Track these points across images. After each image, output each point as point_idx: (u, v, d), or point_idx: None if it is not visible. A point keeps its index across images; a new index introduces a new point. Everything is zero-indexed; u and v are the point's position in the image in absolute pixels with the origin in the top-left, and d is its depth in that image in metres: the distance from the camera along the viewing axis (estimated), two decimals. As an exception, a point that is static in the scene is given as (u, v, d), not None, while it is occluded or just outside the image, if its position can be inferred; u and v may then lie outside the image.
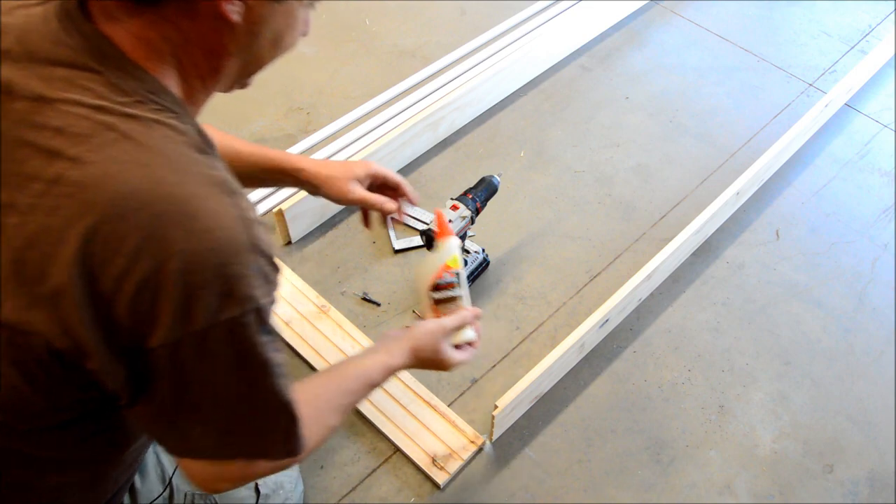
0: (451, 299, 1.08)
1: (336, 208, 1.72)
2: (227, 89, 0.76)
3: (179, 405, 0.68)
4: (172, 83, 0.68)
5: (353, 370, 0.93)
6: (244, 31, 0.67)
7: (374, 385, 0.94)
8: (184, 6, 0.63)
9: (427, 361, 1.02)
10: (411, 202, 1.19)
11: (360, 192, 1.12)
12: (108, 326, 0.62)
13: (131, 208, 0.60)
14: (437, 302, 1.07)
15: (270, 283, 0.68)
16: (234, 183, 0.68)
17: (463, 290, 1.09)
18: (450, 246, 1.07)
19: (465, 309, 1.08)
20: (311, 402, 0.83)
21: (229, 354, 0.66)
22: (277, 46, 0.72)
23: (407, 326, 1.07)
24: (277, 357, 0.71)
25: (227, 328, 0.64)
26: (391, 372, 0.97)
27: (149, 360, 0.64)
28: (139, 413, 0.69)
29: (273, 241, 0.71)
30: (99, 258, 0.60)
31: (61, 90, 0.62)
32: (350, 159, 1.70)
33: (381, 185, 1.17)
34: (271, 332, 0.70)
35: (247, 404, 0.71)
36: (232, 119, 1.92)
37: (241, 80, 0.75)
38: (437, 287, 1.06)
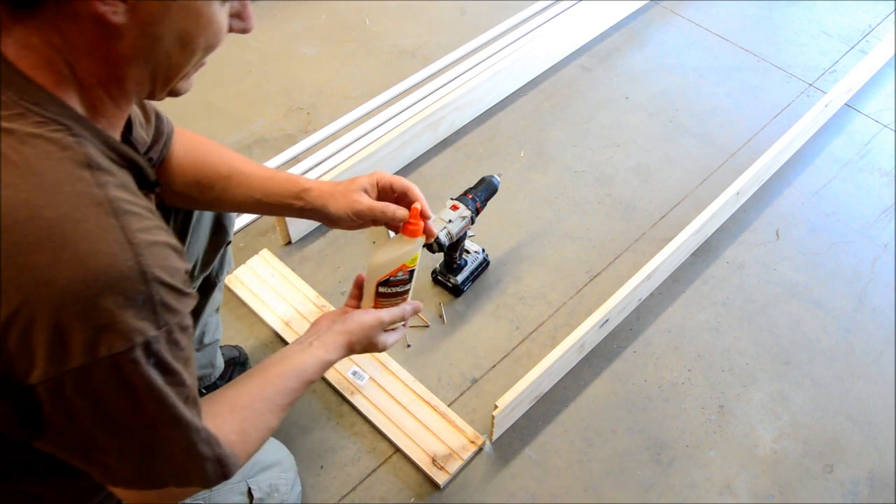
0: (397, 294, 1.04)
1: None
2: (152, 97, 0.71)
3: (83, 441, 0.64)
4: (71, 95, 0.64)
5: (290, 368, 0.89)
6: (136, 34, 0.62)
7: (310, 382, 0.92)
8: (62, 8, 0.60)
9: (360, 350, 0.99)
10: (424, 213, 1.02)
11: (368, 201, 1.00)
12: None
13: None
14: (382, 295, 1.02)
15: (171, 311, 0.64)
16: (132, 202, 0.64)
17: (410, 285, 1.05)
18: (416, 245, 1.00)
19: (407, 303, 1.04)
20: (248, 406, 0.82)
21: (118, 392, 0.62)
22: (188, 48, 0.66)
23: (344, 310, 1.01)
24: (177, 390, 0.66)
25: (109, 365, 0.60)
26: (327, 367, 0.94)
27: (33, 397, 0.60)
28: (49, 447, 0.66)
29: (180, 267, 0.67)
30: None
31: None
32: (350, 159, 1.70)
33: (391, 194, 1.04)
34: (167, 367, 0.65)
35: (151, 439, 0.67)
36: (232, 119, 1.92)
37: (164, 87, 0.70)
38: (388, 283, 1.01)
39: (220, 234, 1.14)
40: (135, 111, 0.89)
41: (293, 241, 1.67)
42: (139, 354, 0.61)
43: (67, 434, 0.64)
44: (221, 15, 0.67)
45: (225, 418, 0.79)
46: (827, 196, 1.84)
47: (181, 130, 1.01)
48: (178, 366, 0.66)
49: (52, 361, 0.58)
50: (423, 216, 0.99)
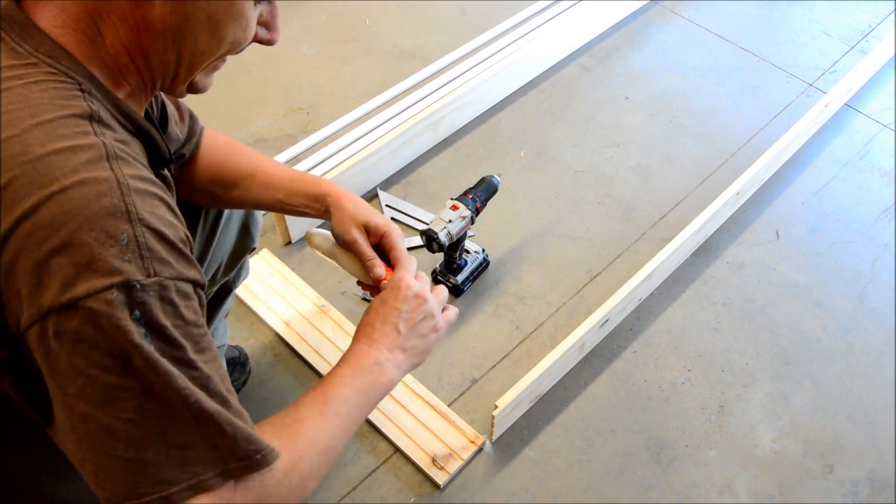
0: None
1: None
2: (175, 86, 0.72)
3: (71, 411, 0.59)
4: (92, 59, 0.66)
5: (330, 375, 0.82)
6: (170, 9, 0.64)
7: (360, 382, 0.82)
8: None
9: (409, 318, 0.88)
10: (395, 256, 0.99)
11: (358, 239, 0.98)
12: None
13: None
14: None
15: (162, 261, 0.60)
16: (130, 155, 0.63)
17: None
18: (363, 276, 1.01)
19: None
20: (295, 420, 0.74)
21: (100, 345, 0.57)
22: (216, 36, 0.67)
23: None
24: (180, 368, 0.60)
25: (90, 307, 0.56)
26: (371, 359, 0.85)
27: (25, 349, 0.59)
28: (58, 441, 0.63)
29: (176, 224, 0.63)
30: None
31: None
32: (350, 159, 1.70)
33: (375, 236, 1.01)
34: (162, 332, 0.59)
35: (138, 412, 0.59)
36: (232, 119, 1.92)
37: (187, 75, 0.71)
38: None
39: (245, 239, 1.16)
40: (171, 109, 0.92)
41: (293, 241, 1.67)
42: (117, 297, 0.56)
43: (57, 399, 0.60)
44: (252, 14, 0.69)
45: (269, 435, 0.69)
46: (827, 196, 1.84)
47: (210, 131, 1.04)
48: (179, 338, 0.60)
49: (33, 299, 0.56)
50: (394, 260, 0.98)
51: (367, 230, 0.99)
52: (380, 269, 0.97)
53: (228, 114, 1.93)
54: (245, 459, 0.64)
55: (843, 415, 1.45)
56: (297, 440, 0.72)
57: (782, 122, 2.00)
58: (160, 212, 0.62)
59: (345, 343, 1.47)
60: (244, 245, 1.16)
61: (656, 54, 2.19)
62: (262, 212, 1.40)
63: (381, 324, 0.87)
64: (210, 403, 0.61)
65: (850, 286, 1.66)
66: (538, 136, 1.94)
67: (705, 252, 1.71)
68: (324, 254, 1.06)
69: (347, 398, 0.79)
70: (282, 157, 1.80)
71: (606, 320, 1.47)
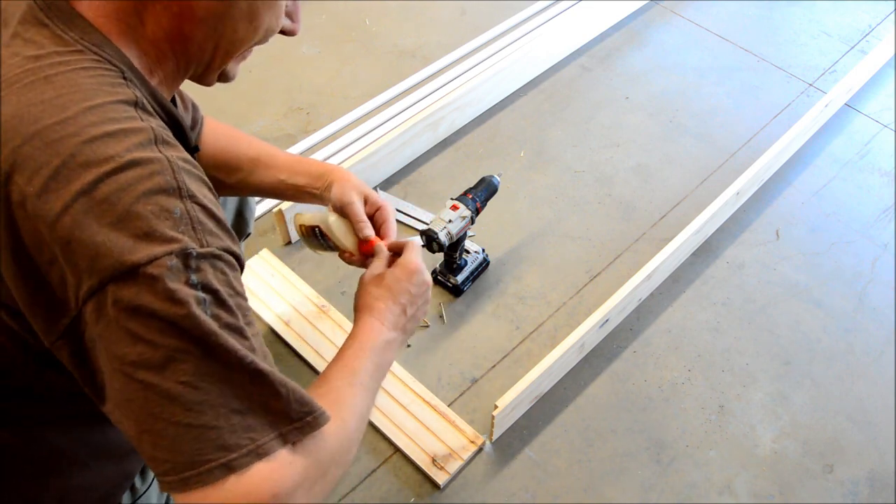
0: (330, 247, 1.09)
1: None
2: (207, 74, 0.74)
3: (129, 380, 0.59)
4: (131, 46, 0.67)
5: (346, 346, 0.86)
6: None
7: (370, 348, 0.86)
8: None
9: (405, 283, 0.92)
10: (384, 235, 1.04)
11: (356, 205, 1.03)
12: (38, 284, 0.60)
13: (36, 148, 0.59)
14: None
15: (212, 234, 0.62)
16: (170, 136, 0.66)
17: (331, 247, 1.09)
18: (345, 238, 1.04)
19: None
20: (328, 389, 0.77)
21: (160, 310, 0.58)
22: (253, 24, 0.70)
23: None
24: (234, 321, 0.61)
25: (149, 272, 0.57)
26: (375, 330, 0.88)
27: (80, 325, 0.60)
28: (107, 407, 0.63)
29: (218, 204, 0.66)
30: (16, 201, 0.59)
31: (8, 44, 0.64)
32: (350, 159, 1.70)
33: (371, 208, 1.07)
34: (213, 290, 0.60)
35: (197, 376, 0.59)
36: (232, 119, 1.92)
37: (221, 63, 0.73)
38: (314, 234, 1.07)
39: (241, 225, 1.18)
40: (176, 99, 0.93)
41: (293, 240, 1.67)
42: (176, 264, 0.58)
43: (109, 376, 0.60)
44: (283, 4, 0.72)
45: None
46: (827, 196, 1.84)
47: (209, 119, 1.06)
48: (232, 306, 0.62)
49: (93, 273, 0.58)
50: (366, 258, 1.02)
51: (365, 201, 1.04)
52: (370, 230, 1.02)
53: (228, 114, 1.93)
54: (298, 421, 0.64)
55: (843, 415, 1.45)
56: (340, 407, 0.73)
57: (782, 122, 2.00)
58: (204, 191, 0.65)
59: (345, 343, 1.48)
60: (239, 230, 1.19)
61: (656, 54, 2.19)
62: (257, 199, 1.40)
63: (392, 303, 0.91)
64: (264, 365, 0.62)
65: (850, 286, 1.66)
66: (538, 136, 1.94)
67: (705, 252, 1.71)
68: (310, 226, 1.07)
69: (370, 371, 0.82)
70: (282, 157, 1.81)
71: (606, 320, 1.47)
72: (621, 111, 2.02)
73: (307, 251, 1.66)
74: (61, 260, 0.59)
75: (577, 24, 2.12)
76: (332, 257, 1.65)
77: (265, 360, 0.64)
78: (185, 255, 0.59)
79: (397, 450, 1.35)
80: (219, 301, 0.61)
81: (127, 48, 0.67)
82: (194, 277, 0.59)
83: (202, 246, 0.61)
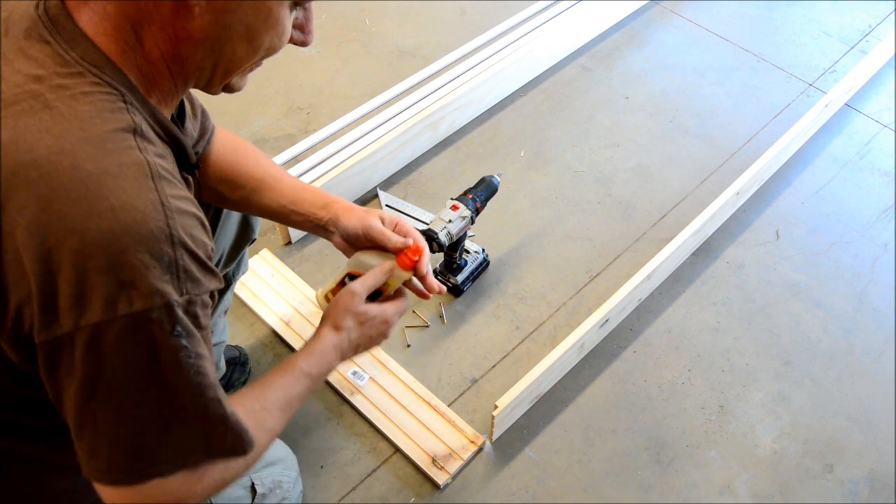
0: None
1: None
2: (209, 88, 0.74)
3: (83, 407, 0.64)
4: (130, 66, 0.67)
5: (285, 366, 0.88)
6: (209, 19, 0.65)
7: (310, 376, 0.89)
8: None
9: (357, 331, 0.93)
10: (420, 268, 0.99)
11: (380, 225, 1.00)
12: (4, 307, 0.61)
13: (30, 178, 0.59)
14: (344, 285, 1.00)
15: (193, 280, 0.65)
16: (169, 171, 0.66)
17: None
18: (400, 274, 0.99)
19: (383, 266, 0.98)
20: (251, 404, 0.81)
21: (131, 353, 0.62)
22: (253, 44, 0.69)
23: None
24: (199, 362, 0.66)
25: (129, 324, 0.60)
26: (323, 358, 0.90)
27: (48, 349, 0.61)
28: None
29: (206, 242, 0.67)
30: (6, 232, 0.59)
31: (12, 60, 0.63)
32: (350, 159, 1.70)
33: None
34: (188, 334, 0.65)
35: (157, 411, 0.66)
36: (232, 119, 1.92)
37: (222, 79, 0.73)
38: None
39: (246, 230, 1.18)
40: (186, 105, 0.93)
41: (293, 241, 1.67)
42: (158, 316, 0.61)
43: (71, 398, 0.64)
44: (288, 21, 0.71)
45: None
46: (827, 196, 1.84)
47: (222, 130, 1.04)
48: (197, 344, 0.66)
49: (72, 312, 0.59)
50: (418, 270, 0.98)
51: (381, 221, 1.02)
52: (402, 238, 0.99)
53: (229, 114, 1.93)
54: (229, 451, 0.73)
55: (843, 415, 1.45)
56: (260, 430, 0.79)
57: (782, 122, 2.00)
58: (195, 231, 0.66)
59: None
60: (245, 236, 1.18)
61: (656, 54, 2.19)
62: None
63: (357, 336, 0.94)
64: (214, 406, 0.69)
65: (850, 286, 1.66)
66: (538, 136, 1.94)
67: (705, 252, 1.71)
68: (339, 280, 1.01)
69: (303, 395, 0.88)
70: (282, 157, 1.80)
71: (606, 320, 1.47)
72: (621, 111, 2.02)
73: (307, 251, 1.66)
74: (35, 298, 0.60)
75: (577, 24, 2.12)
76: (331, 255, 1.65)
77: (217, 387, 0.69)
78: (167, 308, 0.62)
79: (397, 450, 1.35)
80: (184, 346, 0.65)
81: (127, 68, 0.67)
82: (170, 326, 0.63)
83: (181, 294, 0.63)
